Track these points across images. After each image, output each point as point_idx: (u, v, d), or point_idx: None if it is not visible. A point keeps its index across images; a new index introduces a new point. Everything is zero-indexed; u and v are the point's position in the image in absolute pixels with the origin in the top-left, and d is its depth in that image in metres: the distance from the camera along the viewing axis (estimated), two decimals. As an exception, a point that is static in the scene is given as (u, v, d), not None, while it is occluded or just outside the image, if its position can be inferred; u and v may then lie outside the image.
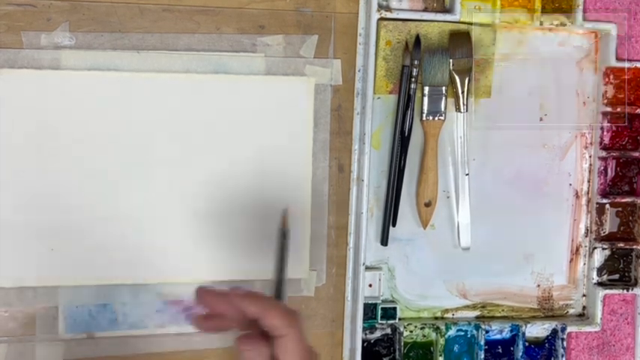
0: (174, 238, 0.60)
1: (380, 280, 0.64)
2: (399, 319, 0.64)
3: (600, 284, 0.68)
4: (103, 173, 0.59)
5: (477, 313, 0.67)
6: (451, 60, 0.62)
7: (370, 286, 0.64)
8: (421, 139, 0.64)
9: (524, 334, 0.66)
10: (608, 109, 0.66)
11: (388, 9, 0.61)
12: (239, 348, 0.46)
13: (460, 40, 0.63)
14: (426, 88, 0.63)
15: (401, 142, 0.63)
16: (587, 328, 0.67)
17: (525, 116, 0.66)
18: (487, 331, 0.65)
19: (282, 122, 0.61)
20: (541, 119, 0.66)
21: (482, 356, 0.65)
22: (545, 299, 0.68)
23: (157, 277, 0.60)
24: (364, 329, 0.63)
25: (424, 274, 0.66)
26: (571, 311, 0.69)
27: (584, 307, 0.69)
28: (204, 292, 0.48)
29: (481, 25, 0.63)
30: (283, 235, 0.48)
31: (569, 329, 0.67)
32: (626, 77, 0.66)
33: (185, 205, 0.60)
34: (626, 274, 0.68)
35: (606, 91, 0.67)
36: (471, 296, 0.66)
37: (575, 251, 0.68)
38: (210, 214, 0.61)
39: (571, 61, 0.67)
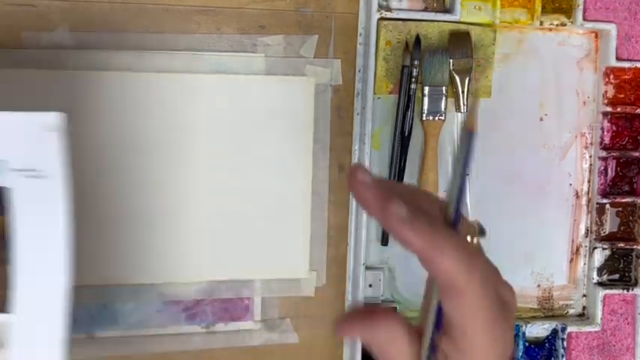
0: (175, 237, 0.60)
1: (380, 280, 0.64)
2: (399, 319, 0.64)
3: (600, 284, 0.68)
4: (102, 173, 0.59)
5: (477, 313, 0.67)
6: (451, 60, 0.62)
7: (370, 286, 0.64)
8: (421, 139, 0.64)
9: (524, 334, 0.66)
10: (609, 109, 0.66)
11: (388, 9, 0.61)
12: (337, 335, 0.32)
13: (460, 40, 0.63)
14: (426, 88, 0.63)
15: (401, 142, 0.63)
16: (588, 328, 0.67)
17: (525, 116, 0.66)
18: (487, 331, 0.65)
19: (282, 122, 0.61)
20: (541, 119, 0.66)
21: (483, 356, 0.65)
22: (546, 299, 0.68)
23: (156, 277, 0.60)
24: (364, 329, 0.63)
25: (424, 275, 0.65)
26: (571, 311, 0.69)
27: (584, 307, 0.69)
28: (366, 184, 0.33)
29: (481, 25, 0.63)
30: (470, 137, 0.33)
31: (569, 329, 0.66)
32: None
33: (184, 204, 0.60)
34: (627, 274, 0.68)
35: (606, 91, 0.66)
36: (471, 296, 0.66)
37: (576, 251, 0.68)
38: (209, 214, 0.61)
39: (571, 61, 0.67)
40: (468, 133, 0.33)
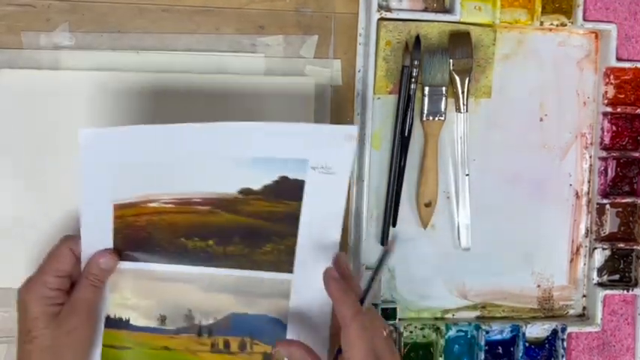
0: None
1: (380, 280, 0.64)
2: (399, 319, 0.64)
3: (600, 285, 0.68)
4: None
5: (477, 313, 0.67)
6: (451, 60, 0.62)
7: (370, 286, 0.64)
8: (421, 140, 0.64)
9: (524, 334, 0.66)
10: (609, 109, 0.66)
11: (388, 9, 0.61)
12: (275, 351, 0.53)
13: (460, 40, 0.63)
14: (426, 89, 0.63)
15: (401, 142, 0.63)
16: (588, 329, 0.67)
17: (525, 116, 0.66)
18: (487, 332, 0.65)
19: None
20: (541, 119, 0.66)
21: (483, 357, 0.65)
22: (546, 299, 0.68)
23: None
24: (364, 329, 0.63)
25: (424, 275, 0.66)
26: (571, 312, 0.69)
27: (584, 308, 0.69)
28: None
29: (481, 25, 0.63)
30: (385, 254, 0.53)
31: (569, 329, 0.66)
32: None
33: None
34: (627, 274, 0.68)
35: (606, 92, 0.66)
36: (471, 296, 0.66)
37: (576, 251, 0.68)
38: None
39: (571, 61, 0.67)
40: (385, 252, 0.53)
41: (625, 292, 0.67)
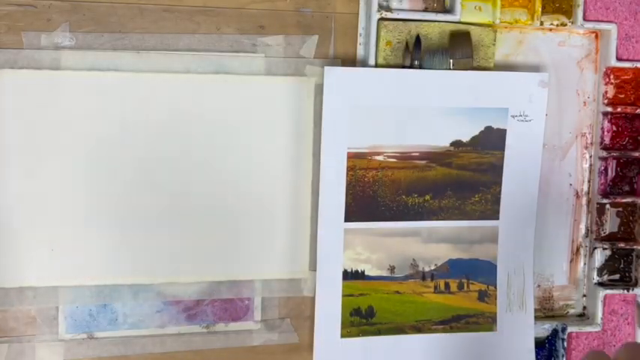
0: (175, 238, 0.60)
1: (381, 280, 0.64)
2: (400, 319, 0.65)
3: (601, 284, 0.68)
4: (102, 173, 0.59)
5: (477, 313, 0.67)
6: (451, 60, 0.62)
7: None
8: (421, 139, 0.64)
9: (524, 334, 0.66)
10: (609, 109, 0.66)
11: (388, 9, 0.61)
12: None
13: (460, 40, 0.63)
14: (426, 88, 0.63)
15: (401, 142, 0.63)
16: (588, 329, 0.67)
17: (525, 116, 0.66)
18: (487, 332, 0.65)
19: (282, 122, 0.61)
20: (541, 119, 0.66)
21: (483, 356, 0.65)
22: (546, 299, 0.68)
23: (157, 277, 0.61)
24: (364, 329, 0.64)
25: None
26: (571, 311, 0.69)
27: (584, 308, 0.69)
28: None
29: (481, 25, 0.63)
30: None
31: (569, 329, 0.67)
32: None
33: (185, 204, 0.60)
34: (627, 274, 0.68)
35: (606, 91, 0.66)
36: (471, 296, 0.66)
37: (576, 251, 0.68)
38: (210, 214, 0.61)
39: (571, 61, 0.67)
40: None
41: (625, 291, 0.67)
